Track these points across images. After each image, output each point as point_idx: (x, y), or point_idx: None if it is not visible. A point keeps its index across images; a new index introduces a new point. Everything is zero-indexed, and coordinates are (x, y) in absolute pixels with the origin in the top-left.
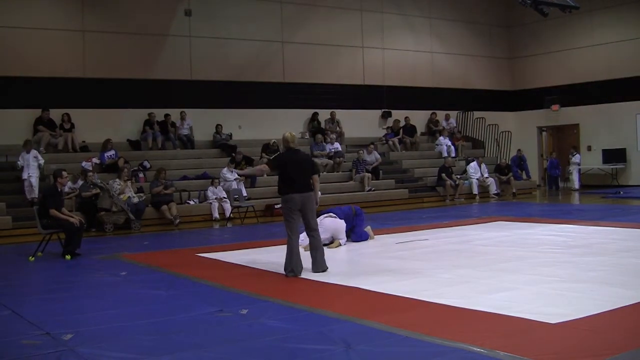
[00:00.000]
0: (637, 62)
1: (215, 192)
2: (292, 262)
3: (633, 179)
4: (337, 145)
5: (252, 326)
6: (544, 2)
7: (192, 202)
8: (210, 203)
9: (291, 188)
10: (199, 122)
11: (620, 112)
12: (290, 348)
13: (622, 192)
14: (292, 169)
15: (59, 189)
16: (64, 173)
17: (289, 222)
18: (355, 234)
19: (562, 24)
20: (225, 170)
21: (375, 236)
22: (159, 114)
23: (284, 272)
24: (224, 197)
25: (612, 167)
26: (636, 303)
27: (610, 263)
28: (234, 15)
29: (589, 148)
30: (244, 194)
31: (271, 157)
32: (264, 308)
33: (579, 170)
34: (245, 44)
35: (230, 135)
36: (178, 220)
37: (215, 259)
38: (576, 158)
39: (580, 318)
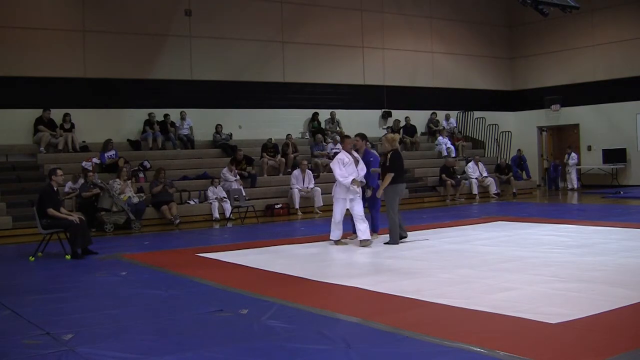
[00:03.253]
0: (637, 61)
1: (215, 192)
2: (399, 232)
3: (633, 178)
4: (339, 145)
5: (252, 326)
6: (544, 2)
7: (192, 202)
8: (211, 203)
9: (400, 179)
10: (199, 122)
11: (621, 112)
12: (290, 348)
13: (622, 192)
14: (401, 165)
15: (55, 188)
16: (59, 171)
17: (395, 205)
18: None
19: (562, 24)
20: (225, 170)
21: (375, 237)
22: (159, 114)
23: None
24: (224, 197)
25: (612, 167)
26: (636, 303)
27: (611, 263)
28: (234, 15)
29: (589, 148)
30: (244, 194)
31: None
32: (264, 308)
33: (577, 170)
34: (246, 43)
35: (231, 135)
36: (178, 220)
37: (215, 259)
38: (572, 158)
39: (581, 318)
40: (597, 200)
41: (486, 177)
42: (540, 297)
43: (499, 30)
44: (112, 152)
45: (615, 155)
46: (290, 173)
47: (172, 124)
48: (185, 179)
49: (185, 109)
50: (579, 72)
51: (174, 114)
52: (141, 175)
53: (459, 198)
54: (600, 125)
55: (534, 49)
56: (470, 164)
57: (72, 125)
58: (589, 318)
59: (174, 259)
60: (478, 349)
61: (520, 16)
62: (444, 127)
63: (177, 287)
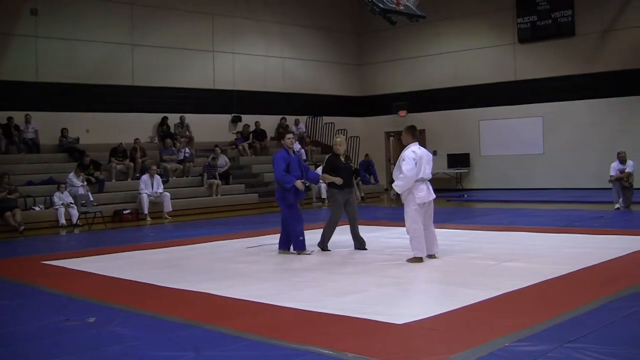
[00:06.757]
0: (480, 70)
1: (61, 198)
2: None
3: (476, 182)
4: (186, 150)
5: (100, 334)
6: (392, 11)
7: (37, 208)
8: (57, 209)
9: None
10: (45, 126)
11: (465, 119)
12: (139, 355)
13: (465, 196)
14: None
15: None
16: None
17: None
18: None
19: (410, 33)
20: (72, 175)
21: (225, 241)
22: (2, 116)
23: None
24: (71, 203)
25: (456, 171)
26: (478, 302)
27: (455, 264)
28: (82, 16)
29: (435, 153)
30: (91, 199)
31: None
32: (112, 315)
33: None
34: (94, 45)
35: (77, 139)
36: (22, 227)
37: (61, 267)
38: None
39: (425, 318)
40: (442, 204)
41: None
42: (386, 298)
43: (348, 37)
44: None
45: (459, 160)
46: (138, 178)
47: (16, 127)
48: (31, 184)
49: (30, 112)
50: (426, 79)
51: (18, 116)
52: None
53: (316, 202)
54: (446, 131)
55: (382, 56)
56: (319, 169)
57: None
58: (434, 318)
59: (18, 267)
60: (327, 351)
61: (369, 24)
62: (293, 132)
63: (22, 296)
